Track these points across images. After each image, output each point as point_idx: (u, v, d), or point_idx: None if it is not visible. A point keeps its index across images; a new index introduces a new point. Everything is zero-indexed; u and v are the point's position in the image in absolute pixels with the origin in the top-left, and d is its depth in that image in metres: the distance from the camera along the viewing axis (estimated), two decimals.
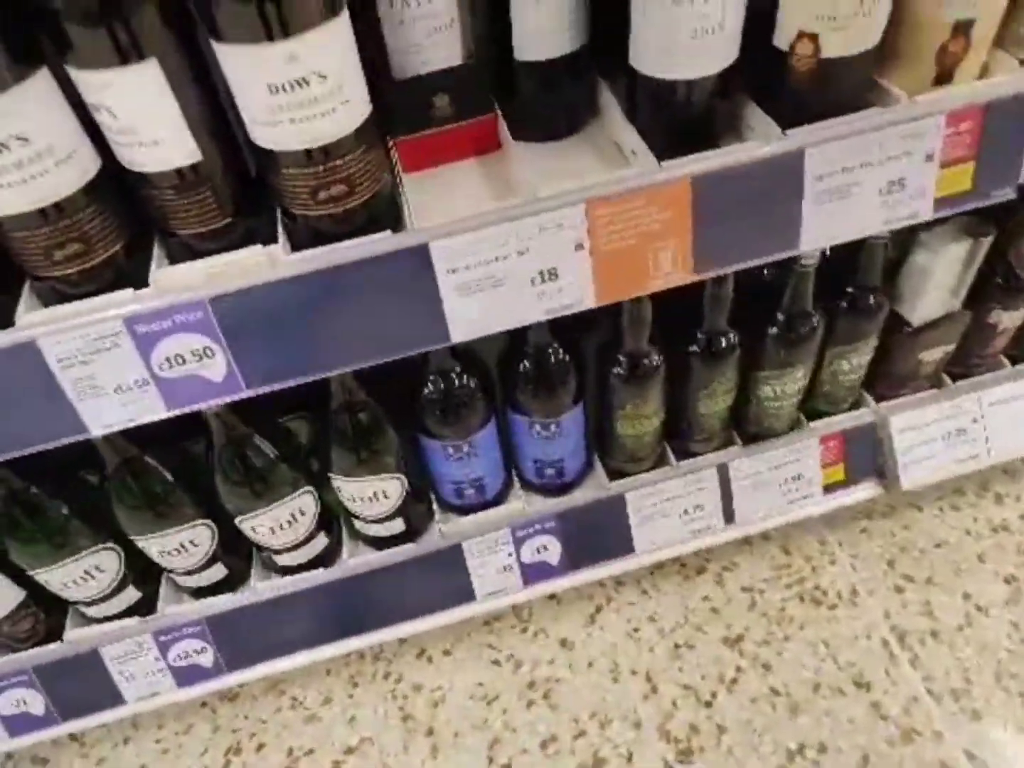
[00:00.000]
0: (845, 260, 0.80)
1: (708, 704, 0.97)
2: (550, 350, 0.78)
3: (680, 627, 1.04)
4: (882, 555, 1.07)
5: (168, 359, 0.56)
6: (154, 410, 0.59)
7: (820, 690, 0.97)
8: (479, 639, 1.05)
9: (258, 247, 0.55)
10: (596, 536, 0.92)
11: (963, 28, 0.57)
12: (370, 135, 0.54)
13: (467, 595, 0.91)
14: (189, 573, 0.84)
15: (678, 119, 0.59)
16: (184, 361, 0.56)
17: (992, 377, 0.96)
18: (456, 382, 0.77)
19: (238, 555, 0.88)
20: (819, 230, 0.61)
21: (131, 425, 0.60)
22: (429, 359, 0.76)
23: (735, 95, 0.60)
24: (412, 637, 1.06)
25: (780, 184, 0.59)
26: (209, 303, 0.54)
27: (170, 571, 0.85)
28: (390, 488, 0.83)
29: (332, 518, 0.90)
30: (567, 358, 0.79)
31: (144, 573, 0.85)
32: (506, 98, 0.64)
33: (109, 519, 0.77)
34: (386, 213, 0.57)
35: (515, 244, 0.56)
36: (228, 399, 0.60)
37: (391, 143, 0.63)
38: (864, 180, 0.60)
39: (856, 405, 0.96)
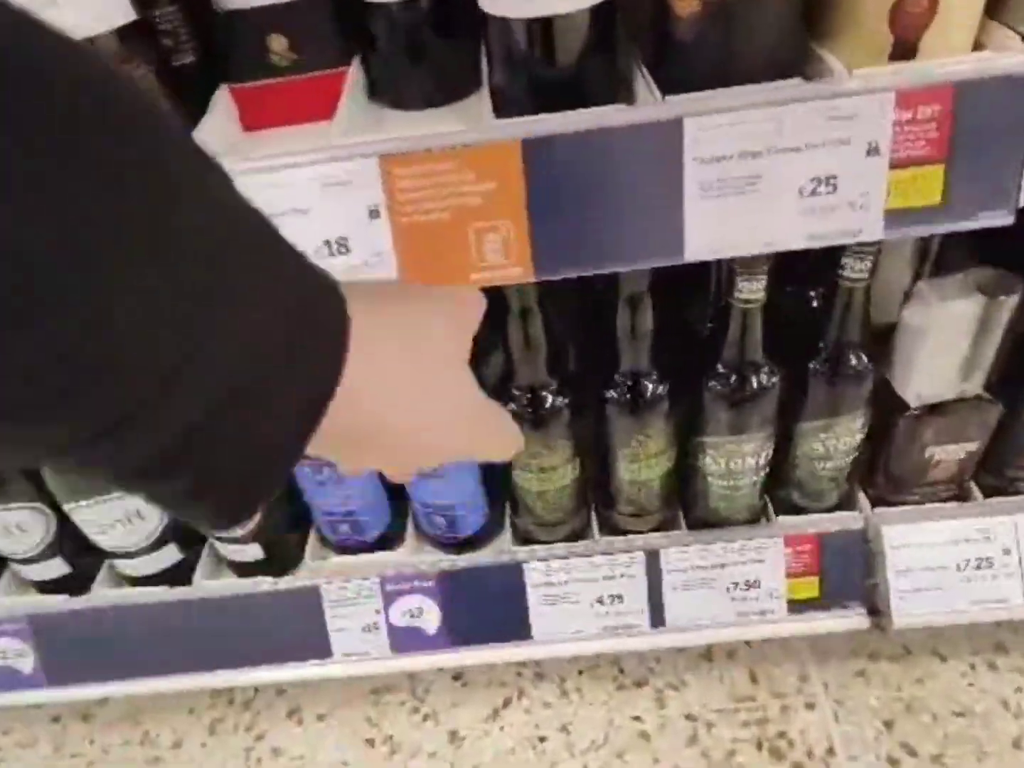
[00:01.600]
0: (825, 307, 0.63)
1: None
2: None
3: (596, 748, 0.83)
4: (879, 711, 0.82)
5: None
6: None
7: None
8: (361, 709, 0.90)
9: None
10: (487, 610, 0.76)
11: None
12: None
13: (323, 651, 0.77)
14: (25, 562, 0.76)
15: (536, 76, 0.47)
16: None
17: None
18: None
19: (84, 554, 0.79)
20: (710, 233, 0.46)
21: None
22: None
23: (617, 50, 0.47)
24: (291, 692, 0.92)
25: (652, 165, 0.44)
26: None
27: (9, 557, 0.77)
28: None
29: (194, 533, 0.79)
30: None
31: None
32: (365, 50, 0.54)
33: None
34: None
35: (291, 202, 0.45)
36: None
37: (225, 89, 0.54)
38: (774, 173, 0.44)
39: (843, 504, 0.75)
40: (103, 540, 0.74)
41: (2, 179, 0.18)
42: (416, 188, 0.44)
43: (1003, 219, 0.45)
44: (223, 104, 0.55)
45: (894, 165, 0.44)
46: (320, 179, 0.44)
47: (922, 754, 0.79)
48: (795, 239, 0.46)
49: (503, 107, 0.47)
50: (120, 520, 0.72)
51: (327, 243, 0.46)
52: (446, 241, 0.46)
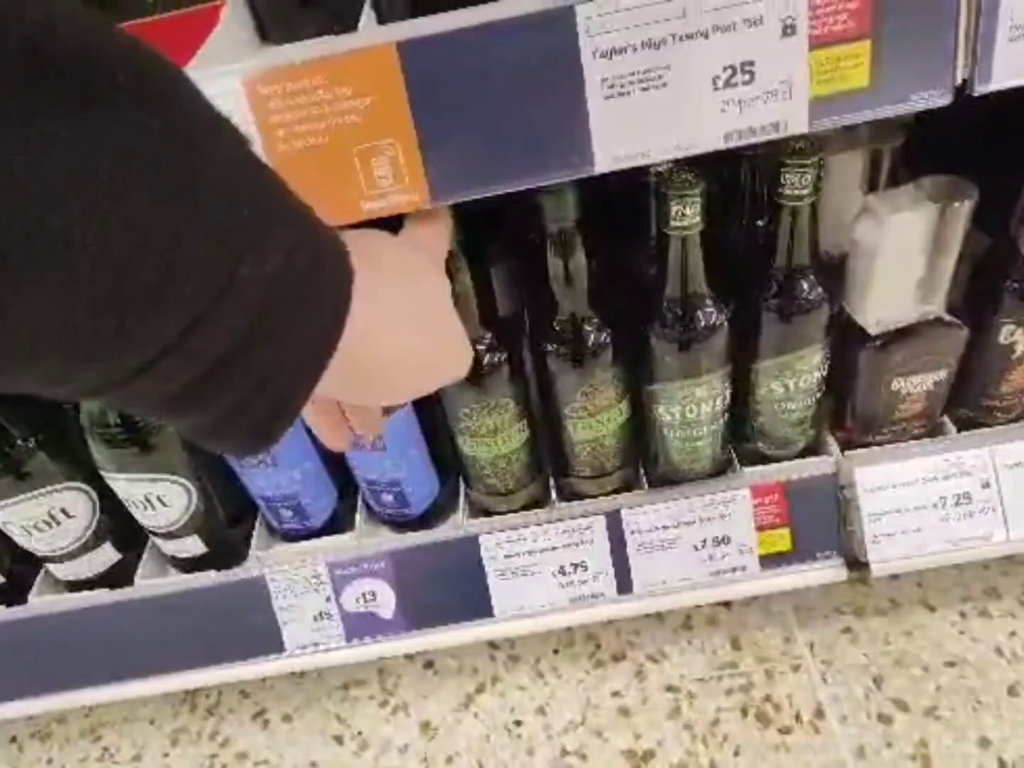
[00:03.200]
0: (771, 232, 0.59)
1: None
2: None
3: (574, 728, 0.79)
4: (867, 668, 0.78)
5: None
6: None
7: None
8: (329, 706, 0.85)
9: None
10: (444, 589, 0.71)
11: None
12: None
13: (275, 645, 0.73)
14: None
15: None
16: None
17: (1017, 429, 0.68)
18: None
19: (17, 561, 0.74)
20: (621, 137, 0.41)
21: None
22: None
23: None
24: (255, 693, 0.88)
25: (546, 64, 0.40)
26: None
27: None
28: (170, 494, 0.67)
29: (131, 531, 0.75)
30: None
31: None
32: None
33: None
34: None
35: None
36: None
37: None
38: (684, 64, 0.40)
39: (811, 450, 0.71)
40: (29, 543, 0.70)
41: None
42: (287, 108, 0.40)
43: (940, 99, 0.41)
44: None
45: (814, 45, 0.40)
46: None
47: (915, 709, 0.74)
48: (714, 138, 0.42)
49: (385, 17, 0.43)
50: (45, 520, 0.68)
51: None
52: (329, 169, 0.42)
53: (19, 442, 0.65)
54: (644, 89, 0.40)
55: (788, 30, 0.39)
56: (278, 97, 0.40)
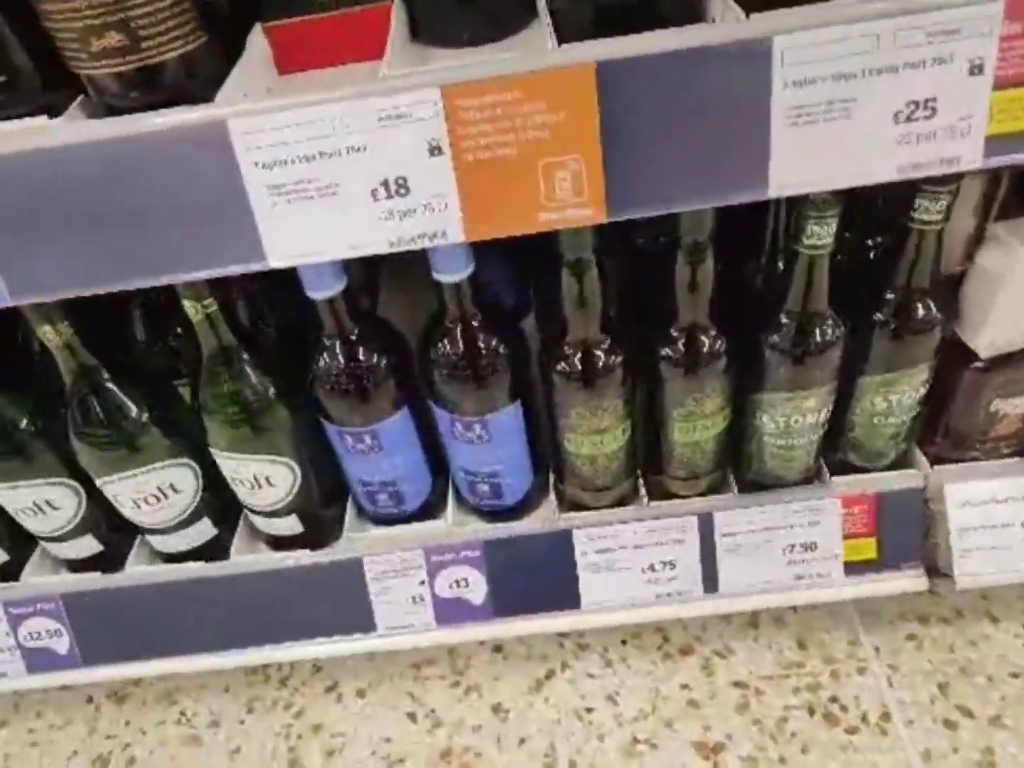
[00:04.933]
0: (894, 253, 0.60)
1: None
2: (475, 324, 0.62)
3: (644, 717, 0.81)
4: (933, 674, 0.81)
5: None
6: None
7: None
8: (402, 685, 0.88)
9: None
10: (534, 579, 0.73)
11: None
12: None
13: (367, 624, 0.75)
14: (53, 540, 0.74)
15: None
16: None
17: None
18: (354, 350, 0.63)
19: (115, 529, 0.76)
20: (798, 164, 0.43)
21: None
22: (325, 319, 0.62)
23: None
24: (328, 667, 0.90)
25: (737, 90, 0.41)
26: None
27: (35, 536, 0.75)
28: (276, 474, 0.69)
29: (228, 507, 0.77)
30: (497, 339, 0.63)
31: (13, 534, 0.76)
32: None
33: None
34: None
35: (345, 136, 0.41)
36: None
37: (261, 29, 0.51)
38: (871, 130, 0.41)
39: (901, 463, 0.72)
40: (136, 516, 0.72)
41: None
42: (481, 121, 0.41)
43: None
44: (258, 45, 0.51)
45: (999, 85, 0.41)
46: (376, 113, 0.41)
47: (980, 716, 0.77)
48: (887, 170, 0.43)
49: (565, 35, 0.44)
50: (154, 495, 0.70)
51: (384, 184, 0.43)
52: (513, 179, 0.43)
53: (134, 416, 0.67)
54: (830, 119, 0.41)
55: (975, 70, 0.40)
56: (474, 109, 0.41)
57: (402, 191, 0.43)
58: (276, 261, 0.45)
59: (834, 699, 0.80)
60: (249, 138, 0.41)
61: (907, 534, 0.71)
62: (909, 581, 0.73)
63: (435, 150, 0.41)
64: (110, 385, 0.64)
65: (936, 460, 0.72)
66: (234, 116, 0.41)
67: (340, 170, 0.41)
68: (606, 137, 0.42)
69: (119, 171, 0.43)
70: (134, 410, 0.67)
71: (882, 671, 0.82)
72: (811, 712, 0.80)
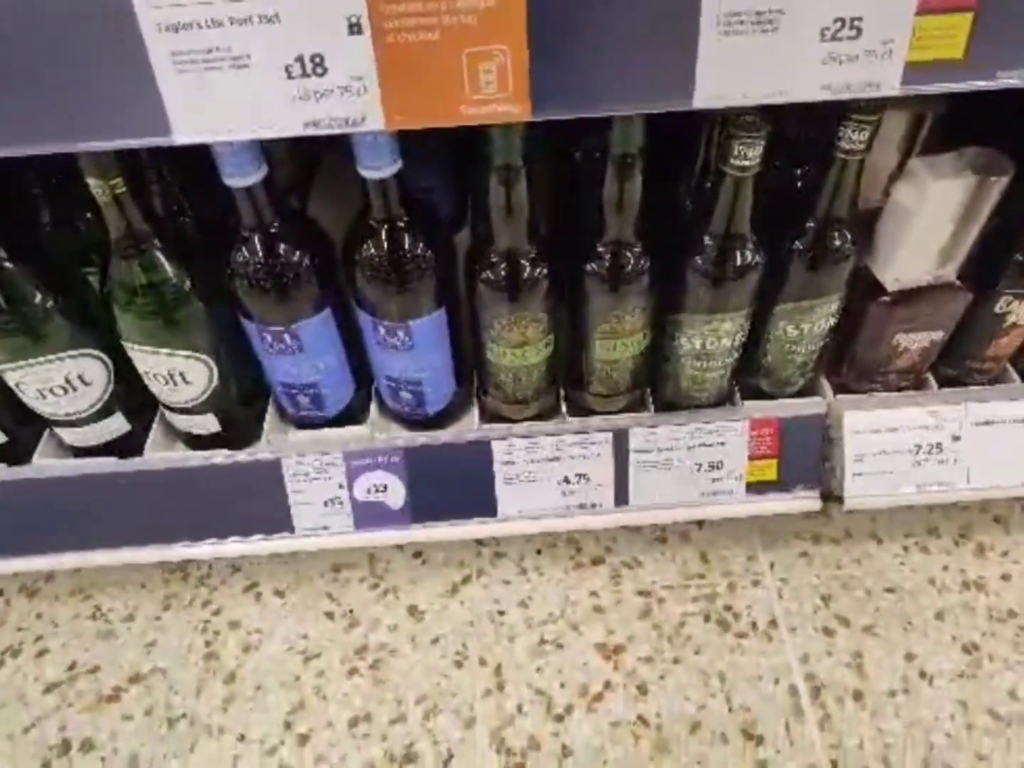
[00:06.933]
0: (815, 182, 0.61)
1: (559, 718, 0.80)
2: (400, 224, 0.61)
3: (553, 621, 0.86)
4: (818, 588, 0.87)
5: None
6: None
7: (699, 731, 0.78)
8: (321, 586, 0.90)
9: None
10: (452, 487, 0.75)
11: None
12: None
13: (284, 525, 0.76)
14: None
15: None
16: None
17: (991, 390, 0.75)
18: (275, 244, 0.61)
19: (20, 421, 0.74)
20: (724, 75, 0.43)
21: None
22: (243, 209, 0.60)
23: None
24: (247, 569, 0.91)
25: None
26: None
27: None
28: (191, 370, 0.68)
29: (144, 403, 0.75)
30: (423, 243, 0.62)
31: None
32: None
33: None
34: None
35: (257, 2, 0.39)
36: None
37: None
38: (797, 46, 0.41)
39: (807, 391, 0.76)
40: (41, 406, 0.69)
41: None
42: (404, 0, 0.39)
43: (1021, 79, 0.44)
44: None
45: (922, 10, 0.41)
46: None
47: (855, 625, 0.84)
48: (811, 88, 0.43)
49: None
50: (61, 385, 0.67)
51: (299, 60, 0.41)
52: (436, 67, 0.41)
53: (38, 303, 0.64)
54: (758, 31, 0.41)
55: None
56: None
57: (319, 70, 0.41)
58: (182, 137, 0.42)
59: (728, 607, 0.86)
60: None
61: (806, 458, 0.76)
62: (804, 502, 0.78)
63: (354, 27, 0.40)
64: (10, 266, 0.61)
65: (840, 389, 0.75)
66: None
67: (251, 40, 0.39)
68: (533, 29, 0.40)
69: (11, 29, 0.39)
70: (38, 296, 0.64)
71: (774, 584, 0.88)
72: (706, 619, 0.86)
